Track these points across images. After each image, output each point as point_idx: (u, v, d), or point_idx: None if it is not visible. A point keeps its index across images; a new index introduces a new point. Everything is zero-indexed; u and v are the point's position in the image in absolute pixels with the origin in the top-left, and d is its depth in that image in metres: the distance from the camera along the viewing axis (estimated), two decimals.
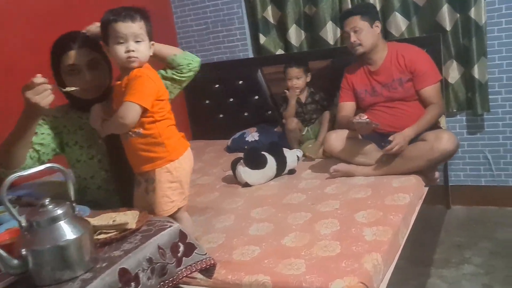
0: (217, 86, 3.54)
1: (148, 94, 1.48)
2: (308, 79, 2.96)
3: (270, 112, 3.37)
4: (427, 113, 2.31)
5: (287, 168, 2.56)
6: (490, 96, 2.78)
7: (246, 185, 2.45)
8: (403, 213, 1.86)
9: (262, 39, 3.33)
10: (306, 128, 2.96)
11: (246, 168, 2.45)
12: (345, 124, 2.48)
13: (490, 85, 2.78)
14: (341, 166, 2.38)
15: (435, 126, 2.41)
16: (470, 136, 2.93)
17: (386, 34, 2.93)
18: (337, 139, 2.40)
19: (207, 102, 3.62)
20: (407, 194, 2.02)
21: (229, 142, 3.26)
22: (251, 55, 3.46)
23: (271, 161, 2.49)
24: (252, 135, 3.16)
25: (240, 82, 3.44)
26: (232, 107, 3.51)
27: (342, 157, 2.41)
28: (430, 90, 2.35)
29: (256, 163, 2.45)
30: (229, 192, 2.44)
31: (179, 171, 1.58)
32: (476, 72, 2.72)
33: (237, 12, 3.40)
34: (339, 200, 2.08)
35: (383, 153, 2.28)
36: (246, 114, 3.48)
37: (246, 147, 3.11)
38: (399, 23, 2.89)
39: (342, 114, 2.55)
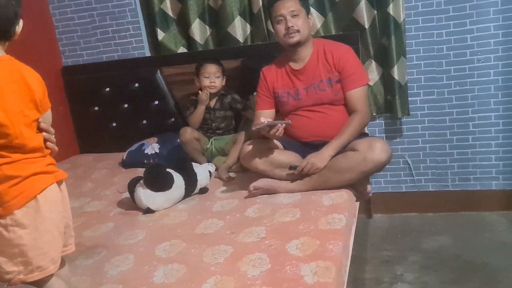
0: (107, 89, 3.00)
1: None
2: (224, 82, 2.57)
3: (173, 119, 2.92)
4: (350, 124, 2.04)
5: (198, 187, 2.15)
6: (409, 98, 2.63)
7: (148, 211, 1.99)
8: (342, 239, 1.55)
9: (161, 35, 2.87)
10: (210, 140, 2.57)
11: (148, 191, 1.98)
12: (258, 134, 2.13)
13: (409, 87, 2.63)
14: (262, 183, 2.03)
15: (362, 133, 2.17)
16: (390, 141, 2.77)
17: None
18: (255, 150, 2.03)
19: (96, 109, 3.06)
20: (342, 214, 1.72)
21: (124, 155, 2.75)
22: (148, 54, 2.99)
23: (178, 180, 2.05)
24: (152, 147, 2.69)
25: (136, 85, 2.95)
26: (127, 114, 3.00)
27: (261, 171, 2.05)
28: (358, 94, 2.09)
29: (160, 183, 2.00)
30: (126, 221, 1.95)
31: (17, 232, 1.07)
32: (395, 73, 2.55)
33: (129, 4, 2.91)
34: (264, 225, 1.72)
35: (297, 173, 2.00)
36: (144, 122, 3.00)
37: (145, 161, 2.65)
38: (314, 19, 2.63)
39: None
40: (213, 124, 2.56)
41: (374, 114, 2.71)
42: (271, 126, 1.92)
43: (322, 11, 2.65)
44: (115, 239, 1.78)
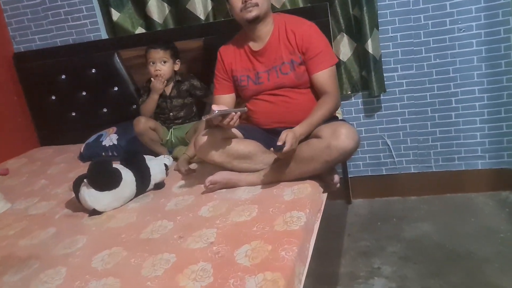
0: (63, 77, 2.79)
1: None
2: (177, 67, 2.35)
3: (135, 106, 2.71)
4: (321, 106, 1.83)
5: (152, 182, 1.96)
6: (385, 74, 2.42)
7: (95, 212, 1.80)
8: (299, 243, 1.36)
9: (115, 15, 2.63)
10: (170, 131, 2.36)
11: (92, 190, 1.79)
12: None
13: (385, 62, 2.42)
14: (220, 176, 1.84)
15: (333, 116, 1.97)
16: (367, 121, 2.57)
17: None
18: (211, 141, 1.83)
19: (52, 98, 2.85)
20: (302, 212, 1.53)
21: (82, 148, 2.55)
22: (104, 36, 2.75)
23: (127, 176, 1.86)
24: (110, 138, 2.49)
25: (93, 70, 2.73)
26: (85, 103, 2.79)
27: (219, 163, 1.86)
28: (325, 75, 1.87)
29: (105, 181, 1.80)
30: (70, 225, 1.77)
31: None
32: (370, 47, 2.32)
33: None
34: (216, 227, 1.53)
35: (276, 157, 1.77)
36: (104, 110, 2.79)
37: (103, 154, 2.46)
38: None
39: None
40: (171, 114, 2.35)
41: (349, 93, 2.50)
42: (224, 116, 1.72)
43: None
44: (52, 249, 1.59)
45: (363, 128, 2.58)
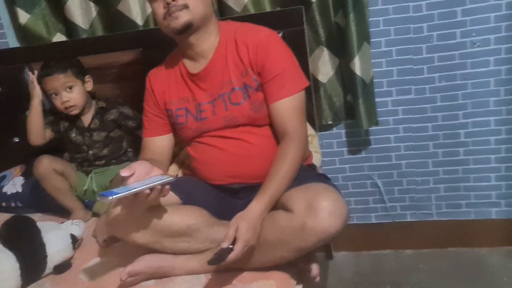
0: None
1: None
2: (89, 86, 1.75)
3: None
4: (283, 160, 1.24)
5: (51, 265, 1.36)
6: (377, 99, 1.87)
7: None
8: None
9: (24, 17, 2.00)
10: (90, 176, 1.76)
11: None
12: None
13: (377, 83, 1.87)
14: (144, 264, 1.25)
15: (307, 165, 1.42)
16: (353, 157, 2.02)
17: (221, 11, 1.85)
18: (128, 214, 1.21)
19: None
20: None
21: None
22: (13, 44, 2.12)
23: (6, 264, 1.25)
24: (14, 182, 1.87)
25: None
26: None
27: (145, 244, 1.26)
28: (286, 106, 1.30)
29: None
30: None
31: None
32: (357, 66, 1.77)
33: None
34: None
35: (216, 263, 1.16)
36: (16, 139, 2.14)
37: (3, 204, 1.84)
38: None
39: (146, 158, 1.40)
40: (90, 152, 1.74)
41: (330, 122, 1.94)
42: (146, 191, 1.12)
43: None
44: None
45: (347, 166, 2.03)
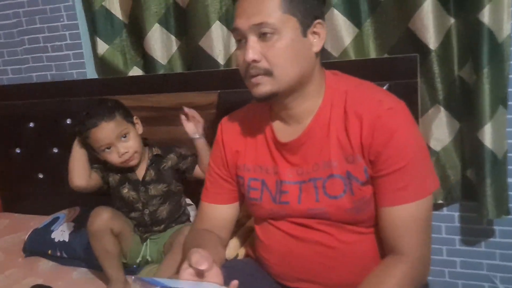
0: (31, 125, 2.04)
1: None
2: (140, 129, 1.50)
3: None
4: (382, 281, 0.86)
5: None
6: (510, 180, 1.42)
7: None
8: None
9: (103, 47, 1.86)
10: (145, 243, 1.49)
11: None
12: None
13: (511, 159, 1.42)
14: None
15: None
16: (468, 249, 1.56)
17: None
18: None
19: (17, 151, 2.10)
20: None
21: (26, 236, 1.75)
22: (92, 75, 1.99)
23: None
24: (64, 228, 1.67)
25: (68, 121, 1.96)
26: (56, 163, 2.00)
27: None
28: (406, 215, 0.90)
29: None
30: None
31: None
32: (486, 136, 1.34)
33: None
34: None
35: None
36: None
37: (49, 252, 1.64)
38: (341, 30, 1.50)
39: (200, 229, 1.11)
40: (146, 211, 1.48)
41: (441, 201, 1.52)
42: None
43: (354, 16, 1.50)
44: None
45: (458, 259, 1.58)
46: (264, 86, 0.91)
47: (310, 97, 0.97)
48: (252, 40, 0.90)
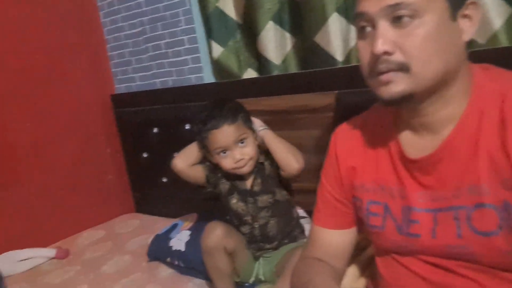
0: (155, 130, 2.09)
1: None
2: (258, 139, 1.37)
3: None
4: None
5: None
6: None
7: None
8: None
9: (217, 50, 1.80)
10: (257, 263, 1.39)
11: None
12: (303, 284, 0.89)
13: None
14: None
15: None
16: None
17: None
18: None
19: (144, 155, 2.19)
20: None
21: (150, 240, 1.78)
22: (209, 79, 1.95)
23: None
24: (181, 236, 1.66)
25: (187, 126, 1.96)
26: None
27: None
28: None
29: None
30: None
31: None
32: None
33: (182, 3, 1.91)
34: None
35: None
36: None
37: (168, 259, 1.65)
38: (489, 10, 1.21)
39: (311, 257, 0.96)
40: (256, 225, 1.37)
41: None
42: None
43: None
44: None
45: None
46: (397, 85, 0.71)
47: (453, 101, 0.74)
48: (383, 26, 0.70)
